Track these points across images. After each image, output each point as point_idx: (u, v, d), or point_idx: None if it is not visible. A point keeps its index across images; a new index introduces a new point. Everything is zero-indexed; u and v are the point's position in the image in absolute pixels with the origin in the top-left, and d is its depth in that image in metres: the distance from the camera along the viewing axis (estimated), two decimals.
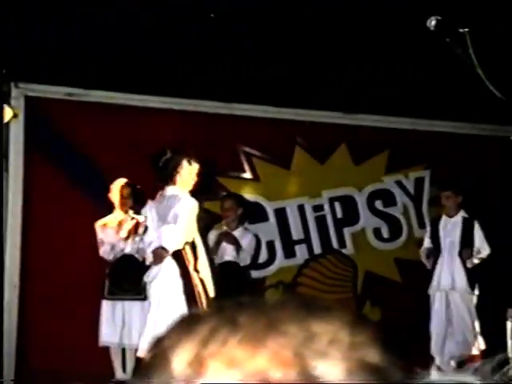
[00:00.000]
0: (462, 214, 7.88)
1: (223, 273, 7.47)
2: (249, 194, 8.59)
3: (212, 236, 7.84)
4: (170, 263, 6.24)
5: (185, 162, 6.35)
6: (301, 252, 8.84)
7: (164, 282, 6.26)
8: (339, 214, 8.97)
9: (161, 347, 0.75)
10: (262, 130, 8.60)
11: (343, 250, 8.96)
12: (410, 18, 6.17)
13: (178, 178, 6.32)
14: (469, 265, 7.70)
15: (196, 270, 6.23)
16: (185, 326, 0.75)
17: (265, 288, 8.54)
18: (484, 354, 7.52)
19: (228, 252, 7.86)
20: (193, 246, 6.28)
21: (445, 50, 5.57)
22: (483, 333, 7.76)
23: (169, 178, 6.33)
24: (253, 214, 8.43)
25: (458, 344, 7.81)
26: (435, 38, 5.50)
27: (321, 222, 8.93)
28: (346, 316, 0.79)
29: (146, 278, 6.44)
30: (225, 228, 7.99)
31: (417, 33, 5.73)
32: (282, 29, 7.65)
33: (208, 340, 0.72)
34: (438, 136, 8.89)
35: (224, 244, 7.86)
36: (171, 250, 6.22)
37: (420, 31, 5.76)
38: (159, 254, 6.27)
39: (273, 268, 8.73)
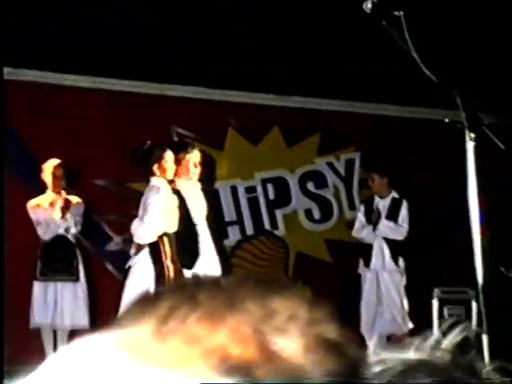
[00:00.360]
0: (393, 194, 8.03)
1: None
2: None
3: None
4: (146, 254, 6.27)
5: (163, 152, 6.38)
6: (233, 233, 8.89)
7: (140, 271, 6.29)
8: (271, 196, 9.05)
9: (120, 325, 0.76)
10: (195, 112, 8.59)
11: (275, 231, 9.04)
12: (345, 0, 6.24)
13: (157, 168, 6.35)
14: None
15: (173, 261, 6.24)
16: (144, 303, 0.75)
17: None
18: (411, 333, 7.69)
19: None
20: (171, 237, 6.29)
21: (380, 33, 5.66)
22: (411, 312, 7.93)
23: (148, 169, 6.37)
24: None
25: (387, 323, 7.97)
26: (371, 20, 5.57)
27: (253, 203, 8.99)
28: (303, 293, 0.81)
29: (130, 263, 6.47)
30: None
31: (352, 15, 5.80)
32: (216, 12, 7.66)
33: (167, 317, 0.73)
34: (370, 118, 9.01)
35: None
36: (141, 241, 6.26)
37: (355, 13, 5.81)
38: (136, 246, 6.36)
39: None
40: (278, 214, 9.07)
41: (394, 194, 8.02)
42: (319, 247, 9.06)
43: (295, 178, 9.12)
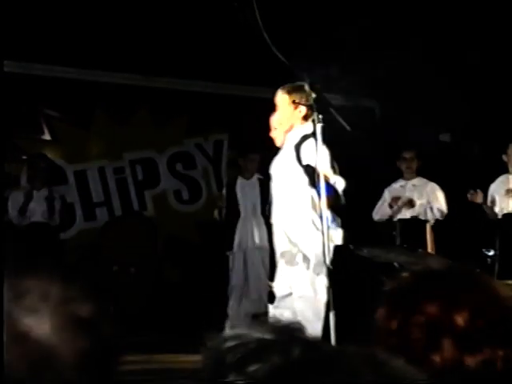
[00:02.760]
0: (257, 175, 8.11)
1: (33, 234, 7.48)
2: (49, 156, 8.43)
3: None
4: None
5: None
6: (101, 214, 8.82)
7: None
8: (140, 177, 9.01)
9: None
10: (62, 92, 8.46)
11: (144, 213, 9.01)
12: None
13: None
14: None
15: None
16: None
17: (66, 251, 8.43)
18: None
19: (37, 213, 7.73)
20: None
21: (234, 15, 5.71)
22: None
23: None
24: (52, 175, 8.29)
25: (253, 302, 8.06)
26: (224, 1, 5.60)
27: (121, 184, 8.93)
28: (57, 271, 0.80)
29: None
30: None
31: None
32: None
33: None
34: (239, 100, 9.03)
35: (33, 205, 7.72)
36: None
37: None
38: None
39: (73, 230, 8.65)
40: (147, 194, 9.04)
41: (258, 175, 8.11)
42: (188, 228, 9.08)
43: (164, 159, 9.10)
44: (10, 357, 0.70)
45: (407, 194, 8.00)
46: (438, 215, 7.95)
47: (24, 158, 8.18)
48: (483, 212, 7.61)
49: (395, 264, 6.74)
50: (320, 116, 5.17)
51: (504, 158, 7.48)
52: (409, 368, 0.86)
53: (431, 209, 7.94)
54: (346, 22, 7.70)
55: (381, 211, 8.08)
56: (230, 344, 0.85)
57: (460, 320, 1.30)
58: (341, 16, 7.71)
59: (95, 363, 0.76)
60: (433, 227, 7.97)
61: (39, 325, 0.73)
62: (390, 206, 7.97)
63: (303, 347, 0.83)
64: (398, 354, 1.14)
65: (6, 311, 0.72)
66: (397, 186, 8.10)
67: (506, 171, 7.51)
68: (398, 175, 8.18)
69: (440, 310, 1.32)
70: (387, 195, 8.11)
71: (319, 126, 5.13)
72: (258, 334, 0.86)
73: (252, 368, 0.81)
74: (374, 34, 8.16)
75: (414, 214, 7.93)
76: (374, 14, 8.03)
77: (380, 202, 8.13)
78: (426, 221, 7.92)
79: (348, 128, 5.34)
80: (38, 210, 7.72)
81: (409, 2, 7.98)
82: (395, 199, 7.97)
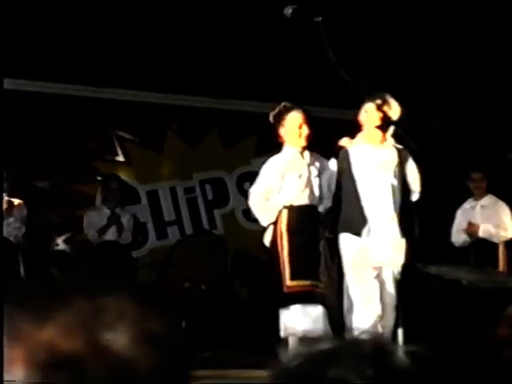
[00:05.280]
0: None
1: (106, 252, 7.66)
2: (122, 177, 8.66)
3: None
4: None
5: None
6: (172, 233, 9.05)
7: None
8: (210, 196, 9.21)
9: None
10: (135, 115, 8.74)
11: (214, 231, 9.20)
12: (267, 5, 6.43)
13: None
14: None
15: None
16: None
17: (138, 268, 8.66)
18: None
19: (110, 232, 7.94)
20: None
21: (301, 38, 5.87)
22: None
23: None
24: (125, 195, 8.54)
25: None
26: (292, 25, 5.75)
27: (192, 203, 9.14)
28: (133, 290, 0.85)
29: None
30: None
31: (275, 20, 5.99)
32: (152, 14, 7.82)
33: None
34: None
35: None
36: None
37: (278, 19, 5.97)
38: None
39: (145, 249, 8.89)
40: (217, 213, 9.23)
41: None
42: (257, 245, 9.18)
43: (233, 179, 9.29)
44: (89, 366, 0.74)
45: (477, 218, 8.00)
46: (503, 236, 7.94)
47: (98, 178, 8.46)
48: None
49: (464, 282, 6.78)
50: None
51: None
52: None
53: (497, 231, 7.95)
54: (412, 41, 7.79)
55: (459, 239, 8.09)
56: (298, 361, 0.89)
57: None
58: (405, 35, 7.81)
59: (169, 377, 0.79)
60: (506, 246, 7.95)
61: (117, 339, 0.76)
62: (468, 234, 7.98)
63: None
64: None
65: (83, 324, 0.76)
66: (467, 206, 8.12)
67: None
68: (467, 195, 8.21)
69: None
70: (460, 217, 8.12)
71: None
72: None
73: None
74: (440, 50, 8.25)
75: (485, 236, 7.94)
76: (440, 32, 8.12)
77: (455, 228, 8.13)
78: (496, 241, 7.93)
79: (415, 147, 5.44)
80: (110, 229, 7.94)
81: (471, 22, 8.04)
82: (470, 226, 7.96)
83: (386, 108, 5.61)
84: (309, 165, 6.03)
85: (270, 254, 6.05)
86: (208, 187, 9.18)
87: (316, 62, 6.03)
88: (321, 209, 6.04)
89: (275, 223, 6.02)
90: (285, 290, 5.88)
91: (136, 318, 0.79)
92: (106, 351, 0.75)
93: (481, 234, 7.91)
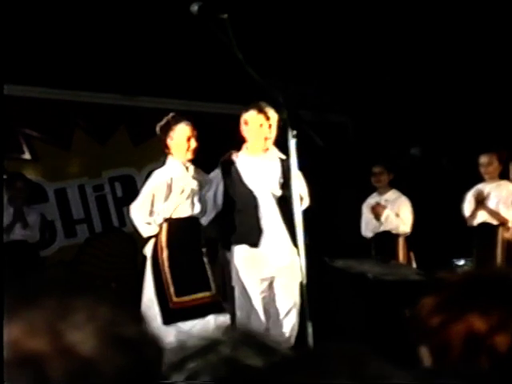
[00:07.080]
0: None
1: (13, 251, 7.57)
2: (28, 175, 8.55)
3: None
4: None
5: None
6: (82, 231, 8.96)
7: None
8: (119, 194, 9.16)
9: None
10: (41, 112, 8.62)
11: (123, 229, 9.15)
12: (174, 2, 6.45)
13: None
14: None
15: None
16: None
17: (46, 267, 8.54)
18: None
19: (16, 230, 7.83)
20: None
21: (209, 35, 5.90)
22: None
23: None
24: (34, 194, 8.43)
25: None
26: (199, 22, 5.77)
27: (101, 201, 9.08)
28: (108, 294, 0.90)
29: None
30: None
31: (182, 17, 6.01)
32: (63, 10, 7.73)
33: None
34: (209, 117, 9.15)
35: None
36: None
37: (184, 16, 5.98)
38: None
39: (54, 248, 8.78)
40: (126, 211, 9.15)
41: None
42: None
43: (142, 176, 9.24)
44: (51, 365, 0.75)
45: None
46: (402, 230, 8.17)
47: (4, 177, 8.31)
48: (454, 223, 7.82)
49: (369, 275, 6.95)
50: (294, 132, 5.35)
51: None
52: (389, 368, 0.84)
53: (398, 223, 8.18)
54: (318, 39, 7.92)
55: (370, 226, 8.26)
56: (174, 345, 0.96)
57: (502, 346, 1.22)
58: (313, 33, 7.93)
59: (133, 382, 0.80)
60: (406, 239, 8.19)
61: (84, 341, 0.78)
62: (377, 218, 8.16)
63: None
64: (433, 353, 1.19)
65: (50, 324, 0.77)
66: (372, 201, 8.31)
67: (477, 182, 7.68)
68: (372, 190, 8.40)
69: (486, 330, 1.24)
70: (366, 211, 8.31)
71: (293, 142, 5.31)
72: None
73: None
74: (344, 49, 8.39)
75: (387, 229, 8.15)
76: (347, 29, 8.25)
77: (363, 222, 8.30)
78: (398, 234, 8.15)
79: (321, 143, 5.52)
80: (16, 228, 7.84)
81: (379, 18, 8.21)
82: (377, 206, 8.16)
83: (263, 117, 5.71)
84: (193, 178, 6.03)
85: (153, 266, 5.99)
86: (117, 184, 9.13)
87: (223, 58, 6.08)
88: (203, 221, 6.04)
89: (156, 236, 5.98)
90: (171, 305, 5.81)
91: (106, 322, 0.81)
92: (68, 351, 0.76)
93: (383, 217, 8.12)
